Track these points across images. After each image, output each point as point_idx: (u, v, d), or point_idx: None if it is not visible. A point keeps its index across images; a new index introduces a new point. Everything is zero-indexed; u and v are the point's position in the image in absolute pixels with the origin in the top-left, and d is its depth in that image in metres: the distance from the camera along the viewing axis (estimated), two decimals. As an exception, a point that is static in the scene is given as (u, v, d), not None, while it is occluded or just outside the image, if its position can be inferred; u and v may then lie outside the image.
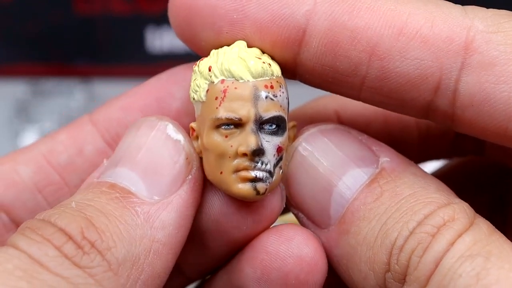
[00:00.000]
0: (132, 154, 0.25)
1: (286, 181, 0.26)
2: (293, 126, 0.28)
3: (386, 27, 0.24)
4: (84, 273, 0.22)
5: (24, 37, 0.84)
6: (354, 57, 0.25)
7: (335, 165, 0.25)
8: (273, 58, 0.27)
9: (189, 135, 0.27)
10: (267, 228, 0.27)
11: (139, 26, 0.84)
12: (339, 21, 0.25)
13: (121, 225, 0.24)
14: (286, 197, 0.27)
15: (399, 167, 0.25)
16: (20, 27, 0.84)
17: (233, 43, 0.27)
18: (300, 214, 0.26)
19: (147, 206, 0.24)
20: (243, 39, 0.27)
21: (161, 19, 0.83)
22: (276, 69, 0.27)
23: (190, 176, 0.26)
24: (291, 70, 0.27)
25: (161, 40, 0.84)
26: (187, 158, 0.26)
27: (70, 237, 0.22)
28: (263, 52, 0.27)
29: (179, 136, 0.26)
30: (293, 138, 0.28)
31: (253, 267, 0.26)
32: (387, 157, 0.25)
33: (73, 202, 0.24)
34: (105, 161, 0.26)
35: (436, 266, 0.22)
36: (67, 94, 0.81)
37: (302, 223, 0.26)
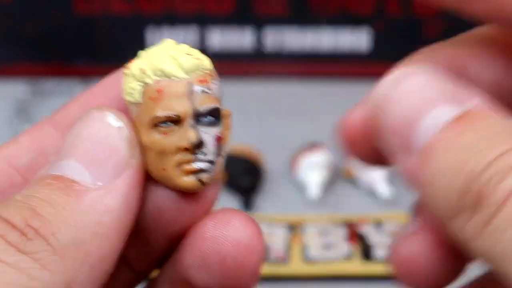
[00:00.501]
0: (74, 146, 0.26)
1: (374, 113, 0.27)
2: (227, 114, 0.29)
3: None
4: (29, 258, 0.23)
5: (24, 37, 0.85)
6: None
7: (424, 100, 0.26)
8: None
9: (132, 121, 0.28)
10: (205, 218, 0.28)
11: (139, 26, 0.84)
12: None
13: (65, 211, 0.24)
14: (373, 126, 0.27)
15: (488, 110, 0.25)
16: (20, 27, 0.84)
17: None
18: (384, 142, 0.27)
19: (91, 192, 0.25)
20: None
21: (161, 19, 0.83)
22: (207, 62, 0.28)
23: (133, 161, 0.26)
24: None
25: (161, 40, 0.84)
26: (129, 144, 0.26)
27: (14, 226, 0.23)
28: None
29: (120, 123, 0.26)
30: (229, 126, 0.29)
31: (192, 255, 0.27)
32: (477, 100, 0.26)
33: (18, 195, 0.25)
34: (52, 157, 0.26)
35: None
36: (67, 94, 0.81)
37: (388, 153, 0.27)
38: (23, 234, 0.23)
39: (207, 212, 0.28)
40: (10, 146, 0.29)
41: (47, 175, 0.25)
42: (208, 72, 0.28)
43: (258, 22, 0.85)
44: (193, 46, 0.28)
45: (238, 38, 0.85)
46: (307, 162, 0.70)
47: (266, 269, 0.60)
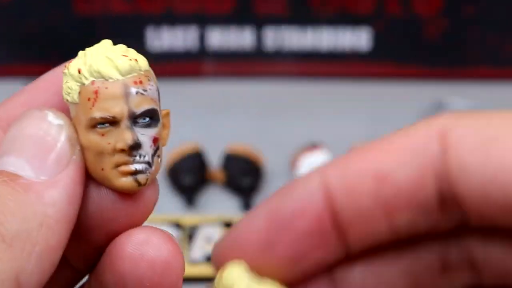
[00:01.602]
0: (16, 143, 0.27)
1: None
2: (166, 114, 0.29)
3: None
4: None
5: (24, 37, 0.84)
6: None
7: None
8: None
9: (71, 120, 0.28)
10: (144, 219, 0.28)
11: (139, 26, 0.84)
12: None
13: (11, 202, 0.25)
14: None
15: None
16: (19, 27, 0.84)
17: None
18: None
19: (35, 185, 0.26)
20: None
21: (161, 19, 0.83)
22: (143, 64, 0.28)
23: (74, 156, 0.27)
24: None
25: (161, 40, 0.84)
26: (69, 140, 0.27)
27: None
28: None
29: (60, 121, 0.27)
30: (168, 125, 0.29)
31: (111, 273, 0.27)
32: None
33: None
34: None
35: None
36: (66, 94, 0.81)
37: None
38: None
39: (146, 213, 0.28)
40: None
41: None
42: (143, 73, 0.28)
43: (258, 21, 0.85)
44: (130, 48, 0.29)
45: (238, 38, 0.85)
46: (307, 162, 0.70)
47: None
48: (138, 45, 0.83)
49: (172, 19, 0.83)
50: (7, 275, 0.24)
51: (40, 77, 0.30)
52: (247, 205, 0.70)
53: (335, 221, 0.23)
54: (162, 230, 0.28)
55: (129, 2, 0.82)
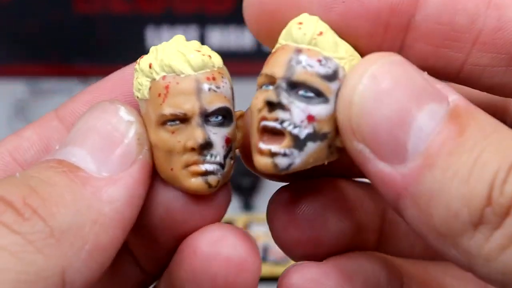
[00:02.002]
0: (83, 135, 0.25)
1: (351, 112, 0.24)
2: (241, 116, 0.28)
3: None
4: (23, 240, 0.21)
5: (24, 36, 0.84)
6: (472, 9, 0.25)
7: (411, 98, 0.23)
8: (387, 26, 0.26)
9: (142, 118, 0.27)
10: (216, 222, 0.27)
11: (139, 25, 0.83)
12: None
13: (67, 194, 0.23)
14: (348, 131, 0.24)
15: (470, 106, 0.24)
16: (20, 27, 0.84)
17: (344, 17, 0.26)
18: (365, 149, 0.24)
19: (95, 180, 0.24)
20: (359, 7, 0.26)
21: (161, 19, 0.83)
22: (217, 60, 0.27)
23: (141, 156, 0.26)
24: (400, 40, 0.26)
25: (161, 40, 0.84)
26: (138, 139, 0.26)
27: (10, 205, 0.22)
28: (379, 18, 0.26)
29: (131, 118, 0.26)
30: (241, 128, 0.28)
31: (184, 270, 0.26)
32: (455, 95, 0.24)
33: (17, 174, 0.24)
34: (57, 146, 0.26)
35: None
36: (66, 94, 0.81)
37: (363, 159, 0.24)
38: (20, 213, 0.22)
39: (218, 216, 0.27)
40: (14, 140, 0.28)
41: (50, 159, 0.25)
42: (217, 70, 0.27)
43: (258, 21, 0.85)
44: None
45: (238, 38, 0.85)
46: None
47: (266, 269, 0.60)
48: (138, 45, 0.82)
49: (172, 19, 0.83)
50: (52, 272, 0.22)
51: (105, 77, 0.29)
52: (247, 205, 0.69)
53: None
54: (237, 228, 0.26)
55: (129, 2, 0.82)
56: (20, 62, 0.85)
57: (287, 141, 0.25)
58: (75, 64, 0.84)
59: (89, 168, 0.25)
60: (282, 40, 0.26)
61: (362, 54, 0.26)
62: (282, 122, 0.25)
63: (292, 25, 0.26)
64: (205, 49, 0.27)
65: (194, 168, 0.26)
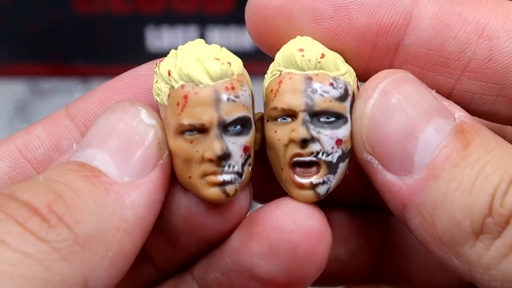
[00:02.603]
0: (103, 137, 0.25)
1: (362, 124, 0.25)
2: (260, 117, 0.28)
3: (492, 13, 0.25)
4: (49, 248, 0.21)
5: (24, 36, 0.84)
6: (463, 38, 0.26)
7: (421, 113, 0.24)
8: (374, 46, 0.27)
9: (162, 121, 0.27)
10: (236, 225, 0.27)
11: (139, 25, 0.83)
12: (447, 6, 0.26)
13: (90, 200, 0.23)
14: (359, 142, 0.26)
15: (476, 123, 0.25)
16: (20, 27, 0.84)
17: (333, 32, 0.27)
18: (374, 160, 0.25)
19: (117, 185, 0.24)
20: (348, 24, 0.26)
21: (161, 19, 0.83)
22: (236, 66, 0.27)
23: (161, 161, 0.26)
24: (389, 60, 0.27)
25: (161, 39, 0.84)
26: (159, 143, 0.26)
27: (36, 211, 0.22)
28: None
29: (152, 121, 0.26)
30: (261, 129, 0.28)
31: (259, 243, 0.26)
32: (461, 112, 0.25)
33: (40, 177, 0.23)
34: (74, 145, 0.26)
35: None
36: (66, 94, 0.81)
37: (372, 170, 0.25)
38: (45, 220, 0.22)
39: (240, 218, 0.27)
40: (24, 136, 0.28)
41: (71, 161, 0.24)
42: (236, 77, 0.27)
43: (258, 21, 0.84)
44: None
45: (238, 38, 0.85)
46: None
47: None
48: (138, 45, 0.82)
49: (172, 19, 0.83)
50: (75, 280, 0.22)
51: (116, 77, 0.29)
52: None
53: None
54: (307, 202, 0.27)
55: (129, 2, 0.82)
56: (20, 62, 0.85)
57: (323, 169, 0.26)
58: (75, 64, 0.84)
59: (111, 173, 0.24)
60: (281, 67, 0.27)
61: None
62: (316, 154, 0.26)
63: (293, 52, 0.27)
64: (225, 54, 0.27)
65: (212, 178, 0.26)
